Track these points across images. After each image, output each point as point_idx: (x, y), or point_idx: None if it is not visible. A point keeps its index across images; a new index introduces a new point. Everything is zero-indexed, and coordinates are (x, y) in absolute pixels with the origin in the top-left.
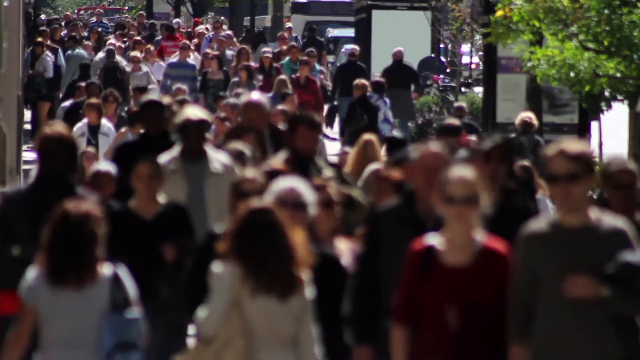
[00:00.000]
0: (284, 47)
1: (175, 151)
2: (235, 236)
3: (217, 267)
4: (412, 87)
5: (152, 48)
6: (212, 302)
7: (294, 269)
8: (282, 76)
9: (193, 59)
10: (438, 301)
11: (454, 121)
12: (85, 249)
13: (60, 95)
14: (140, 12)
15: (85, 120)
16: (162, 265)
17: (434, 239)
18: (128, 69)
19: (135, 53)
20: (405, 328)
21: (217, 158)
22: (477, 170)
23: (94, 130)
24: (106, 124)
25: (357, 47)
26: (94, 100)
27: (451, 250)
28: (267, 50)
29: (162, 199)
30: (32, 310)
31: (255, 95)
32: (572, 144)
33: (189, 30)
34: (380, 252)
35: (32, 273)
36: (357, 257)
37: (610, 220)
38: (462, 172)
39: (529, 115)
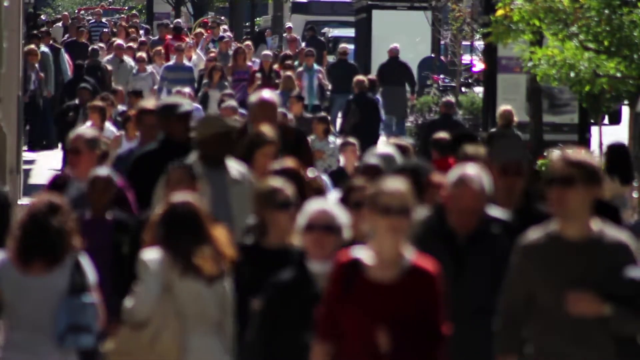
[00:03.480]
0: (296, 51)
1: (193, 157)
2: (161, 227)
3: (145, 255)
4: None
5: (162, 51)
6: (142, 287)
7: (217, 257)
8: (289, 73)
9: (196, 58)
10: (361, 317)
11: (445, 135)
12: (54, 237)
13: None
14: (134, 12)
15: (88, 123)
16: None
17: (360, 252)
18: (110, 67)
19: (141, 54)
20: (326, 344)
21: (234, 165)
22: (494, 181)
23: None
24: (109, 127)
25: (347, 46)
26: (97, 102)
27: (378, 266)
28: (268, 53)
29: None
30: None
31: (267, 94)
32: (577, 152)
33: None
34: None
35: None
36: None
37: (613, 233)
38: (396, 183)
39: (508, 110)
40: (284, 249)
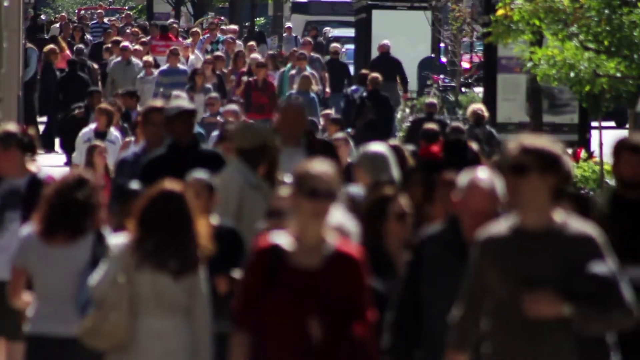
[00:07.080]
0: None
1: (239, 166)
2: (141, 216)
3: (113, 239)
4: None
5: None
6: (103, 269)
7: (191, 252)
8: (307, 72)
9: (194, 58)
10: (287, 306)
11: (433, 126)
12: (77, 210)
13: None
14: (128, 12)
15: (91, 125)
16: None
17: (280, 238)
18: (96, 66)
19: (148, 57)
20: (247, 334)
21: None
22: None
23: (101, 136)
24: (114, 132)
25: (339, 45)
26: (105, 106)
27: (300, 251)
28: (256, 57)
29: (214, 221)
30: (22, 268)
31: (296, 100)
32: (533, 138)
33: (186, 30)
34: (422, 279)
35: (23, 233)
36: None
37: (578, 224)
38: (323, 166)
39: (480, 107)
40: None
